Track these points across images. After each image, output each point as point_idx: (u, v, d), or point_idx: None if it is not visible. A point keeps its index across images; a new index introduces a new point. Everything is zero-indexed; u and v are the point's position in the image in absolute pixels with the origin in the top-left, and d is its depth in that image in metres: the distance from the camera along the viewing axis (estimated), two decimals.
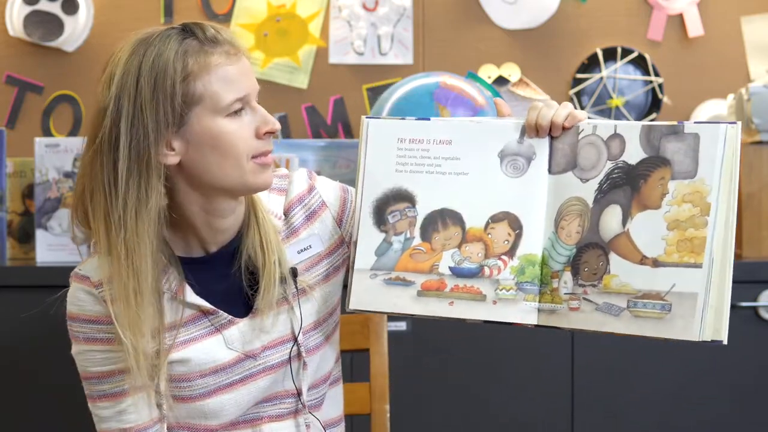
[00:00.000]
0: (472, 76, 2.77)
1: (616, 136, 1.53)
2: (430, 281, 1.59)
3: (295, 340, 1.64)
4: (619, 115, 3.04)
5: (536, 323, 1.55)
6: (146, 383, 1.58)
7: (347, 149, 2.80)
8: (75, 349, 1.60)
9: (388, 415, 1.94)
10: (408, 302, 1.59)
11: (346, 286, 1.65)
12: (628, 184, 1.51)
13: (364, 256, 1.61)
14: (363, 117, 1.65)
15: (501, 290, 1.56)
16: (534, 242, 1.57)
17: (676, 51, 3.06)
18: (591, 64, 3.05)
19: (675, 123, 1.50)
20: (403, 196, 1.62)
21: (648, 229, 1.48)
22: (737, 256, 2.63)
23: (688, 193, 1.47)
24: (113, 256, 1.51)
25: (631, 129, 1.52)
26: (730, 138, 1.46)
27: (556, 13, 3.04)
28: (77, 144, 2.69)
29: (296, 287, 1.64)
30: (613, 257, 1.50)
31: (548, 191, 1.57)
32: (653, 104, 3.06)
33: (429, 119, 1.63)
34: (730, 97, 2.89)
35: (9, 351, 2.51)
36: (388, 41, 3.04)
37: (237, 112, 1.53)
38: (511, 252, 1.57)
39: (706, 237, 1.44)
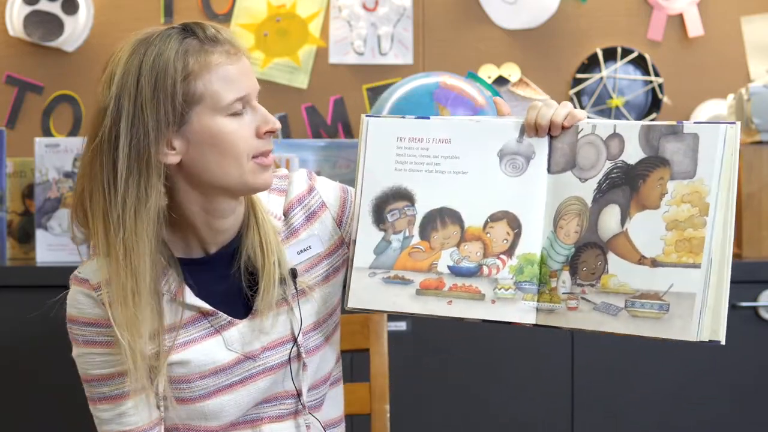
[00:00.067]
0: (472, 76, 2.77)
1: (615, 135, 1.53)
2: (428, 280, 1.59)
3: (295, 341, 1.64)
4: (619, 115, 3.04)
5: (534, 323, 1.55)
6: (145, 384, 1.57)
7: (347, 149, 2.80)
8: (75, 351, 1.60)
9: (388, 415, 1.94)
10: (407, 301, 1.59)
11: (345, 285, 1.65)
12: (627, 184, 1.51)
13: (363, 255, 1.61)
14: (363, 115, 1.65)
15: (499, 289, 1.56)
16: (533, 241, 1.56)
17: (676, 51, 3.06)
18: (591, 64, 3.05)
19: (674, 123, 1.50)
20: (402, 195, 1.62)
21: (647, 229, 1.48)
22: (737, 256, 2.63)
23: (687, 194, 1.47)
24: (111, 256, 1.51)
25: (631, 129, 1.52)
26: (729, 138, 1.46)
27: (556, 13, 3.04)
28: (77, 144, 2.69)
29: (296, 288, 1.64)
30: (611, 257, 1.50)
31: (547, 191, 1.57)
32: (653, 104, 3.06)
33: (429, 118, 1.63)
34: (730, 97, 2.89)
35: (9, 351, 2.51)
36: (388, 41, 3.04)
37: (238, 112, 1.53)
38: (509, 251, 1.57)
39: (705, 237, 1.44)
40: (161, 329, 1.56)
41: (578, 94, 3.05)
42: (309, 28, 3.04)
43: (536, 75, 3.05)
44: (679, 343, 1.44)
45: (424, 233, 1.60)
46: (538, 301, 1.55)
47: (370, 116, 1.65)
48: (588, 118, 1.58)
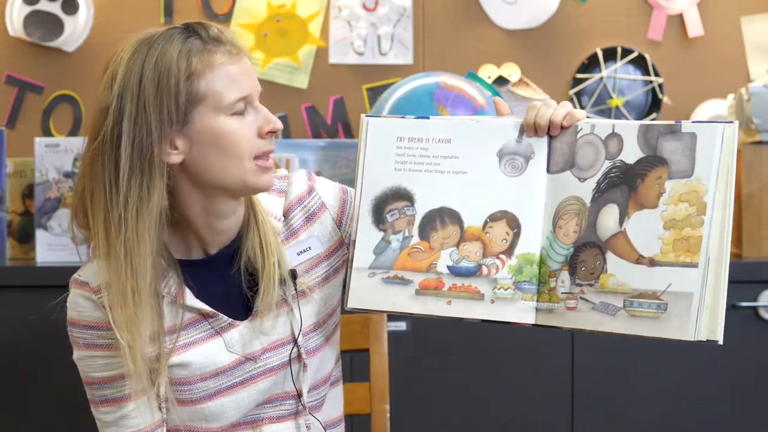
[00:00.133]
0: (472, 76, 2.77)
1: (614, 135, 1.53)
2: (428, 280, 1.59)
3: (295, 341, 1.64)
4: (619, 115, 3.04)
5: (534, 323, 1.55)
6: (146, 386, 1.57)
7: (347, 149, 2.80)
8: (76, 354, 1.60)
9: (388, 415, 1.94)
10: (406, 301, 1.59)
11: (344, 285, 1.65)
12: (626, 184, 1.51)
13: (363, 255, 1.61)
14: (362, 115, 1.65)
15: (499, 289, 1.56)
16: (532, 241, 1.56)
17: (676, 51, 3.06)
18: (591, 64, 3.05)
19: (672, 122, 1.50)
20: (401, 195, 1.62)
21: (645, 229, 1.48)
22: (737, 256, 2.63)
23: (684, 193, 1.46)
24: (112, 256, 1.51)
25: (629, 128, 1.52)
26: (727, 137, 1.46)
27: (556, 13, 3.04)
28: (77, 144, 2.69)
29: (296, 289, 1.63)
30: (610, 256, 1.50)
31: (546, 190, 1.57)
32: (653, 104, 3.06)
33: (428, 118, 1.63)
34: (730, 97, 2.89)
35: (9, 351, 2.51)
36: (388, 41, 3.04)
37: (240, 111, 1.53)
38: (509, 251, 1.57)
39: (702, 236, 1.44)
40: (162, 331, 1.56)
41: (578, 94, 3.05)
42: (309, 28, 3.04)
43: (536, 75, 3.05)
44: (678, 343, 1.44)
45: (424, 233, 1.60)
46: (537, 301, 1.55)
47: (369, 116, 1.65)
48: (587, 117, 1.58)
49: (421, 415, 2.53)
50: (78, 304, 1.58)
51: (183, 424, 1.62)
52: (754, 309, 2.51)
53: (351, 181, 1.70)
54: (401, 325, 2.50)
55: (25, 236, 2.78)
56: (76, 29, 2.99)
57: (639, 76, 3.05)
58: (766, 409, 2.53)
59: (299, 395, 1.66)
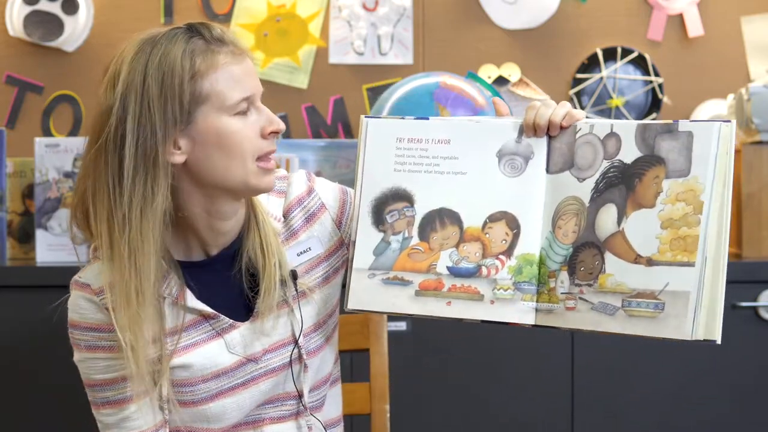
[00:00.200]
0: (472, 76, 2.76)
1: (612, 135, 1.53)
2: (427, 281, 1.59)
3: (296, 342, 1.64)
4: (619, 115, 3.04)
5: (533, 323, 1.55)
6: (148, 388, 1.57)
7: (347, 149, 2.80)
8: (77, 356, 1.60)
9: (388, 415, 1.94)
10: (406, 302, 1.59)
11: (344, 286, 1.65)
12: (624, 183, 1.51)
13: (363, 256, 1.61)
14: (362, 116, 1.65)
15: (498, 290, 1.56)
16: (531, 242, 1.56)
17: (676, 51, 3.06)
18: (591, 64, 3.05)
19: (670, 122, 1.50)
20: (401, 196, 1.62)
21: (642, 228, 1.48)
22: (737, 256, 2.63)
23: (681, 192, 1.46)
24: (115, 256, 1.50)
25: (627, 128, 1.52)
26: (724, 136, 1.46)
27: (556, 13, 3.04)
28: (77, 144, 2.69)
29: (296, 290, 1.64)
30: (608, 256, 1.50)
31: (546, 191, 1.57)
32: (653, 104, 3.05)
33: (428, 118, 1.63)
34: (730, 97, 2.89)
35: (9, 351, 2.51)
36: (388, 41, 3.04)
37: (243, 111, 1.53)
38: (508, 251, 1.57)
39: (699, 236, 1.44)
40: (163, 332, 1.56)
41: (578, 94, 3.05)
42: (309, 28, 3.04)
43: (536, 75, 3.05)
44: (677, 343, 1.44)
45: (423, 234, 1.60)
46: (536, 301, 1.55)
47: (369, 117, 1.65)
48: (587, 117, 1.58)
49: (421, 415, 2.53)
50: (79, 306, 1.57)
51: (184, 425, 1.62)
52: (754, 309, 2.51)
53: (351, 182, 1.70)
54: (401, 325, 2.50)
55: (25, 236, 2.78)
56: (76, 29, 3.00)
57: (639, 76, 3.05)
58: (766, 409, 2.53)
59: (300, 396, 1.66)
